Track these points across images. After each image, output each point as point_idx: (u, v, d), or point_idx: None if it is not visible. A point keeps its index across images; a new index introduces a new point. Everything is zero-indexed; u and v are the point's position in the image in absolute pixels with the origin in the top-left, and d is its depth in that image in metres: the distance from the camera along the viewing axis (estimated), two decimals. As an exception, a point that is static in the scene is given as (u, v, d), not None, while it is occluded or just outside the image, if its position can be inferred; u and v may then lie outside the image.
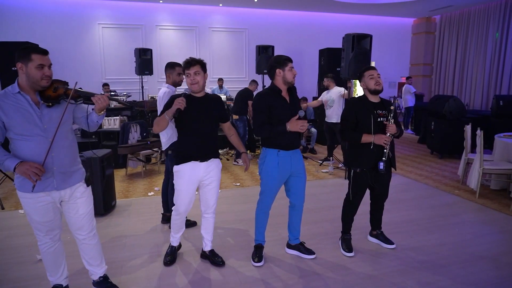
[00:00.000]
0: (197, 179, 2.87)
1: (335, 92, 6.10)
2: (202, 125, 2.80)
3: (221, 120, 2.99)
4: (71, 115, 2.34)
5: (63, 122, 2.21)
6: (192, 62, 2.75)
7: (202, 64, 2.79)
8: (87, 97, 2.25)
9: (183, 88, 4.94)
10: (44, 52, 2.15)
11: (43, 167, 2.10)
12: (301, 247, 3.24)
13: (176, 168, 2.86)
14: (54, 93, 2.19)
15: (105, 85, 9.39)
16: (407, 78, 10.98)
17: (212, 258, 3.10)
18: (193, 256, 3.22)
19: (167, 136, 3.57)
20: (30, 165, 2.05)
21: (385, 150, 3.00)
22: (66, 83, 2.26)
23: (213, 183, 2.94)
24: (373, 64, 5.53)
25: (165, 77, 3.72)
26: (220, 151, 7.41)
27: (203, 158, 2.84)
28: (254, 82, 7.22)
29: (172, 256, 3.11)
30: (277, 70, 2.86)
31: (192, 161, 2.81)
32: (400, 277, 2.88)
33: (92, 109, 2.28)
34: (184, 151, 2.83)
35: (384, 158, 3.00)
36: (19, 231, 3.78)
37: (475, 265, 3.06)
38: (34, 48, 2.13)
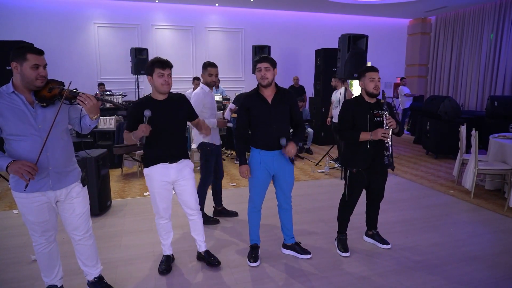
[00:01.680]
0: (169, 180, 2.81)
1: (341, 93, 6.07)
2: (168, 127, 2.74)
3: (188, 118, 2.93)
4: (67, 116, 2.33)
5: (57, 122, 2.19)
6: (168, 63, 2.68)
7: (172, 67, 2.73)
8: None
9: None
10: (40, 52, 2.13)
11: (37, 166, 2.07)
12: (297, 247, 3.24)
13: (146, 171, 2.80)
14: (49, 94, 2.17)
15: (101, 84, 9.33)
16: (401, 79, 10.99)
17: (208, 258, 3.09)
18: (189, 256, 3.21)
19: (198, 133, 3.48)
20: (23, 164, 2.02)
21: (387, 142, 2.95)
22: (61, 83, 2.24)
23: (188, 183, 2.87)
24: (369, 64, 5.50)
25: None
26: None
27: (172, 159, 2.78)
28: None
29: (167, 263, 3.00)
30: (255, 73, 2.92)
31: (162, 163, 2.76)
32: (395, 277, 2.89)
33: (86, 114, 2.27)
34: (152, 154, 2.77)
35: (388, 153, 2.96)
36: (13, 231, 3.76)
37: (469, 265, 3.08)
38: (30, 48, 2.11)
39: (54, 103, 2.21)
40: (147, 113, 2.56)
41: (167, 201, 2.87)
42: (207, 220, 3.87)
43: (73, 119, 2.36)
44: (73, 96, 2.21)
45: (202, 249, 3.12)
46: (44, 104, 2.17)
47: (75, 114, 2.35)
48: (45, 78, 2.17)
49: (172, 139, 2.78)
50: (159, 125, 2.67)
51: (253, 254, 3.12)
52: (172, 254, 3.10)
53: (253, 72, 8.86)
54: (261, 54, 8.49)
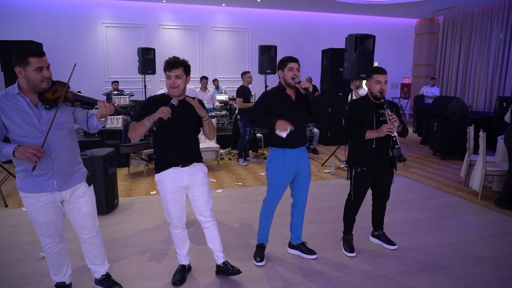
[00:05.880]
0: (182, 185, 2.62)
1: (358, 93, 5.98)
2: (182, 129, 2.56)
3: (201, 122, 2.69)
4: (71, 117, 2.34)
5: (62, 124, 2.23)
6: (174, 64, 2.44)
7: (185, 67, 2.49)
8: (85, 102, 2.24)
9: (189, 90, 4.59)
10: (41, 54, 2.11)
11: (43, 149, 2.06)
12: (303, 247, 3.25)
13: (157, 177, 2.63)
14: (52, 96, 2.19)
15: (114, 82, 9.43)
16: (432, 78, 10.81)
17: (228, 269, 2.81)
18: (195, 255, 3.23)
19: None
20: (28, 147, 2.03)
21: (394, 136, 2.93)
22: (66, 85, 2.25)
23: (201, 188, 2.68)
24: (376, 64, 5.46)
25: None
26: (222, 151, 7.42)
27: (185, 163, 2.59)
28: (244, 74, 6.75)
29: (182, 274, 2.81)
30: (279, 71, 2.94)
31: (173, 167, 2.58)
32: (402, 278, 2.88)
33: (93, 113, 2.31)
34: (163, 158, 2.60)
35: (397, 146, 2.94)
36: (22, 228, 3.81)
37: (476, 266, 3.06)
38: (30, 51, 2.09)
39: (57, 105, 2.21)
40: (175, 101, 2.46)
41: (180, 208, 2.68)
42: None
43: (79, 119, 2.38)
44: (76, 99, 2.22)
45: (220, 260, 2.85)
46: (48, 106, 2.18)
47: (81, 114, 2.37)
48: (50, 79, 2.18)
49: (183, 142, 2.59)
50: (170, 125, 2.51)
51: (259, 253, 3.12)
52: (189, 264, 2.93)
53: (260, 72, 8.79)
54: (268, 54, 8.49)
